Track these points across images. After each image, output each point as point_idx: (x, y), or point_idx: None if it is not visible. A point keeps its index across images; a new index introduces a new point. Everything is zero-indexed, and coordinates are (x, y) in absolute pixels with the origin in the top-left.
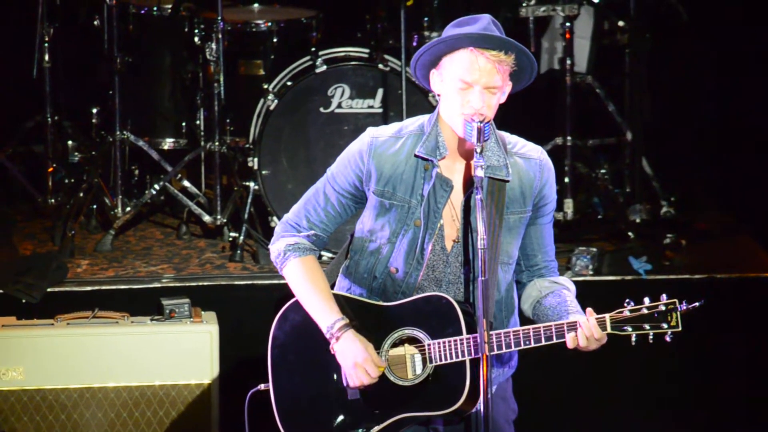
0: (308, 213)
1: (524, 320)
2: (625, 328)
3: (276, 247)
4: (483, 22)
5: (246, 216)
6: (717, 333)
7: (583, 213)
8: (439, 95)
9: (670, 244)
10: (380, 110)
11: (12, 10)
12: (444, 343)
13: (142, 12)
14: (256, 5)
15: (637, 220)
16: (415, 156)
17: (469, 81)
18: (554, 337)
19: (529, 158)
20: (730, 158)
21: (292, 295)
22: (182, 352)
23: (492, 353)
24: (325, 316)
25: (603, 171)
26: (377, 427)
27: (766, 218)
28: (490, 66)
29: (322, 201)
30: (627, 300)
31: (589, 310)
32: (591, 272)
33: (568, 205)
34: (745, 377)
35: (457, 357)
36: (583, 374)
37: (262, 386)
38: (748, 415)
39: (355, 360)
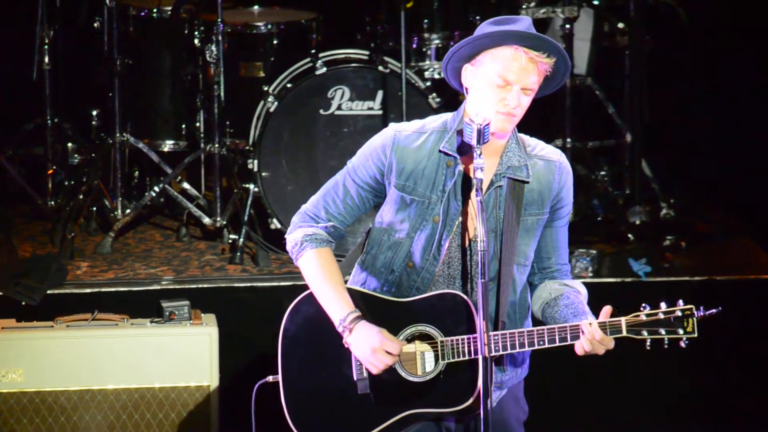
0: (327, 204)
1: (535, 321)
2: (641, 332)
3: (293, 237)
4: (526, 23)
5: (246, 218)
6: (717, 335)
7: (583, 215)
8: (467, 89)
9: (669, 246)
10: (380, 112)
11: (12, 12)
12: (457, 340)
13: (142, 14)
14: (256, 7)
15: (637, 222)
16: (440, 152)
17: (510, 79)
18: (569, 338)
19: (548, 160)
20: (729, 159)
21: (293, 298)
22: (182, 355)
23: (505, 353)
24: (339, 309)
25: (603, 173)
26: (387, 422)
27: (766, 220)
28: (532, 66)
29: (342, 193)
30: (643, 304)
31: (605, 310)
32: (591, 274)
33: None
34: (745, 379)
35: (469, 355)
36: (591, 376)
37: (270, 378)
38: (748, 417)
39: (373, 345)
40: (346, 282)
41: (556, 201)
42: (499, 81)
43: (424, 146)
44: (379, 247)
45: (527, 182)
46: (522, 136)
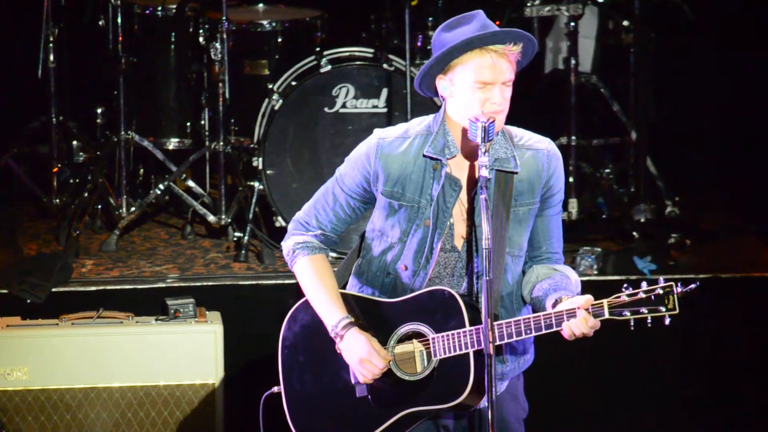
0: (317, 213)
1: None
2: (624, 313)
3: (286, 244)
4: (480, 19)
5: (251, 216)
6: (722, 332)
7: (588, 213)
8: (444, 98)
9: (674, 244)
10: (385, 110)
11: (17, 10)
12: (447, 336)
13: (147, 12)
14: (260, 5)
15: (642, 220)
16: (424, 156)
17: (487, 80)
18: (554, 325)
19: (536, 149)
20: (734, 157)
21: (299, 296)
22: (187, 352)
23: (495, 344)
24: (330, 315)
25: (608, 171)
26: (386, 423)
27: None
28: (503, 60)
29: (331, 201)
30: (624, 285)
31: (586, 298)
32: (595, 272)
33: (573, 204)
34: (750, 377)
35: (460, 349)
36: (590, 373)
37: (275, 389)
38: (754, 415)
39: (360, 356)
40: (344, 287)
41: (546, 189)
42: (478, 85)
43: (409, 151)
44: (372, 252)
45: (515, 173)
46: (508, 127)
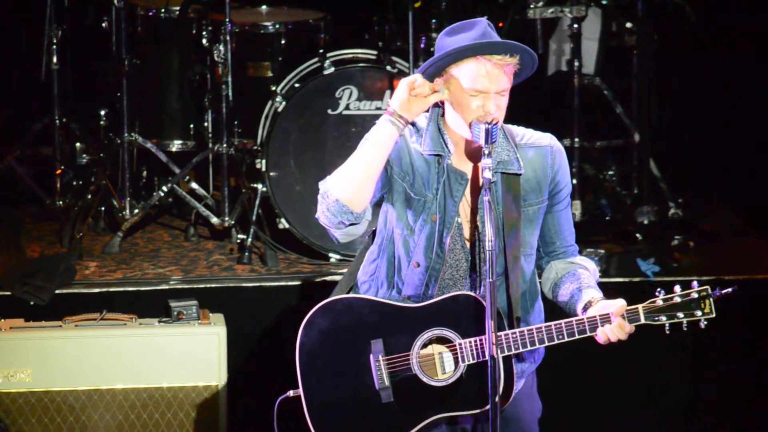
0: None
1: (547, 303)
2: (659, 318)
3: (320, 213)
4: (481, 27)
5: (254, 218)
6: (724, 334)
7: (591, 215)
8: (442, 102)
9: (678, 246)
10: None
11: (20, 12)
12: (475, 341)
13: (150, 14)
14: (264, 7)
15: (645, 222)
16: (426, 153)
17: (480, 89)
18: (587, 331)
19: (539, 146)
20: (737, 159)
21: (303, 299)
22: (190, 354)
23: (524, 350)
24: (376, 124)
25: (611, 172)
26: (413, 429)
27: None
28: (498, 71)
29: None
30: (658, 289)
31: (620, 304)
32: (599, 274)
33: (576, 206)
34: (752, 379)
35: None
36: (592, 373)
37: (291, 393)
38: (757, 417)
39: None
40: (353, 290)
41: (554, 185)
42: (473, 92)
43: (417, 145)
44: (381, 248)
45: (520, 174)
46: (509, 127)
